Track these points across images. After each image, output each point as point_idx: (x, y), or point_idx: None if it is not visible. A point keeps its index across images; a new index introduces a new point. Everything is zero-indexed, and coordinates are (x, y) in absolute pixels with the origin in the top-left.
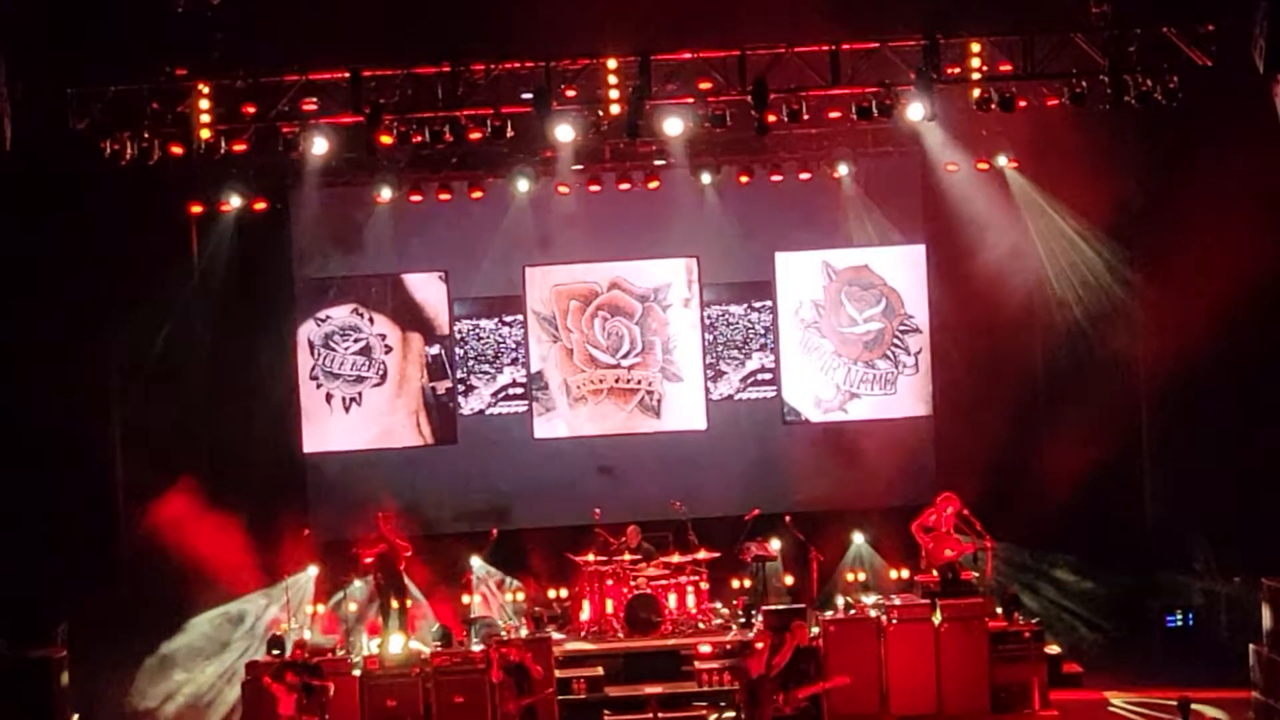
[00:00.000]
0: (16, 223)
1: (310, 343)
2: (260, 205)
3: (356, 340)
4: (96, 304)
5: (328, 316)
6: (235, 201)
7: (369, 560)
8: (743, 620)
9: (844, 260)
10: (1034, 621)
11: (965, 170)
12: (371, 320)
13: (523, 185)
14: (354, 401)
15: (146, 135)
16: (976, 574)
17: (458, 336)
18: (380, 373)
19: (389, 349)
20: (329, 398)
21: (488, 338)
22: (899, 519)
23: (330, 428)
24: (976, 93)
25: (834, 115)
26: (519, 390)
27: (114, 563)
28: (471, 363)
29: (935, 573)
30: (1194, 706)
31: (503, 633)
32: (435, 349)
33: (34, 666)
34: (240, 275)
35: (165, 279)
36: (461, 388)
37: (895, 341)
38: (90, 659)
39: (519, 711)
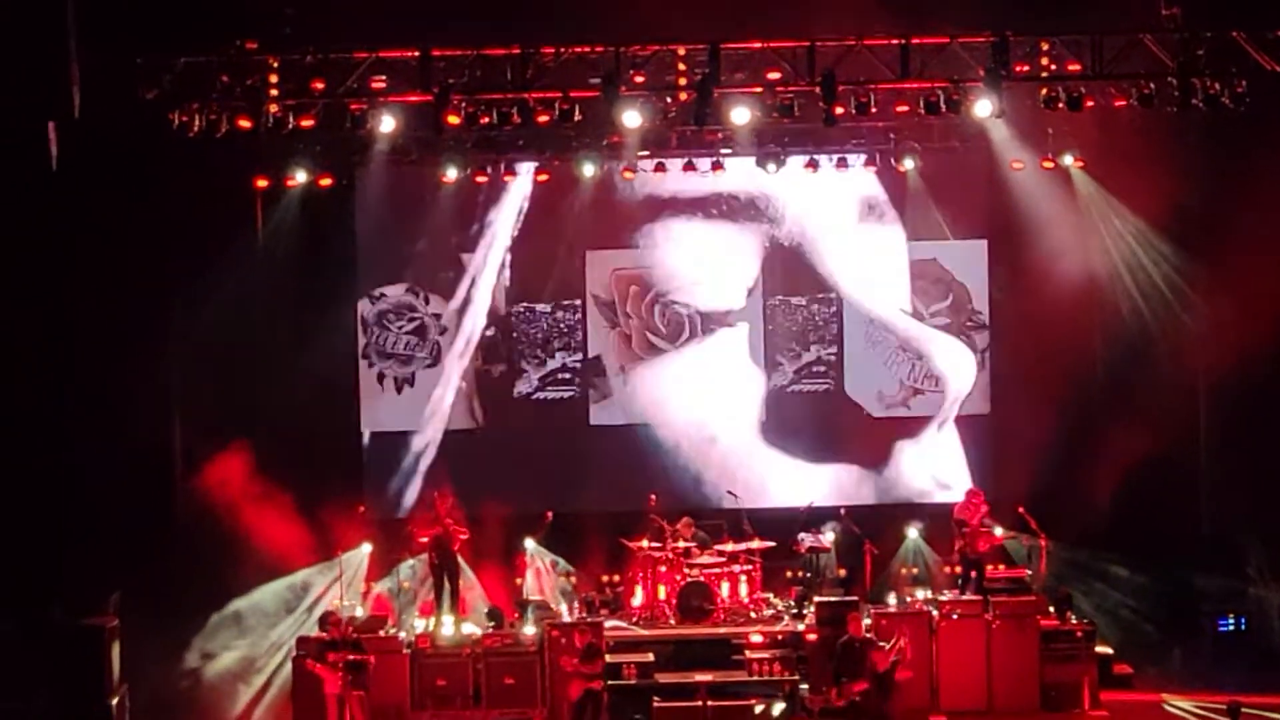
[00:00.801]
0: (81, 191)
1: (364, 320)
2: (326, 181)
3: (410, 320)
4: (158, 274)
5: (382, 294)
6: (301, 177)
7: (424, 540)
8: (795, 611)
9: (912, 254)
10: (1085, 621)
11: (1030, 168)
12: (427, 300)
13: (588, 170)
14: (406, 383)
15: (215, 108)
16: (1030, 571)
17: (512, 320)
18: (433, 353)
19: (443, 330)
20: (380, 377)
21: (539, 321)
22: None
23: (382, 406)
24: (1044, 91)
25: (901, 109)
26: (567, 375)
27: (168, 534)
28: (523, 346)
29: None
30: (1244, 711)
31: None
32: (491, 331)
33: (87, 635)
34: (303, 251)
35: (228, 252)
36: (513, 369)
37: (962, 337)
38: (142, 629)
39: (583, 695)
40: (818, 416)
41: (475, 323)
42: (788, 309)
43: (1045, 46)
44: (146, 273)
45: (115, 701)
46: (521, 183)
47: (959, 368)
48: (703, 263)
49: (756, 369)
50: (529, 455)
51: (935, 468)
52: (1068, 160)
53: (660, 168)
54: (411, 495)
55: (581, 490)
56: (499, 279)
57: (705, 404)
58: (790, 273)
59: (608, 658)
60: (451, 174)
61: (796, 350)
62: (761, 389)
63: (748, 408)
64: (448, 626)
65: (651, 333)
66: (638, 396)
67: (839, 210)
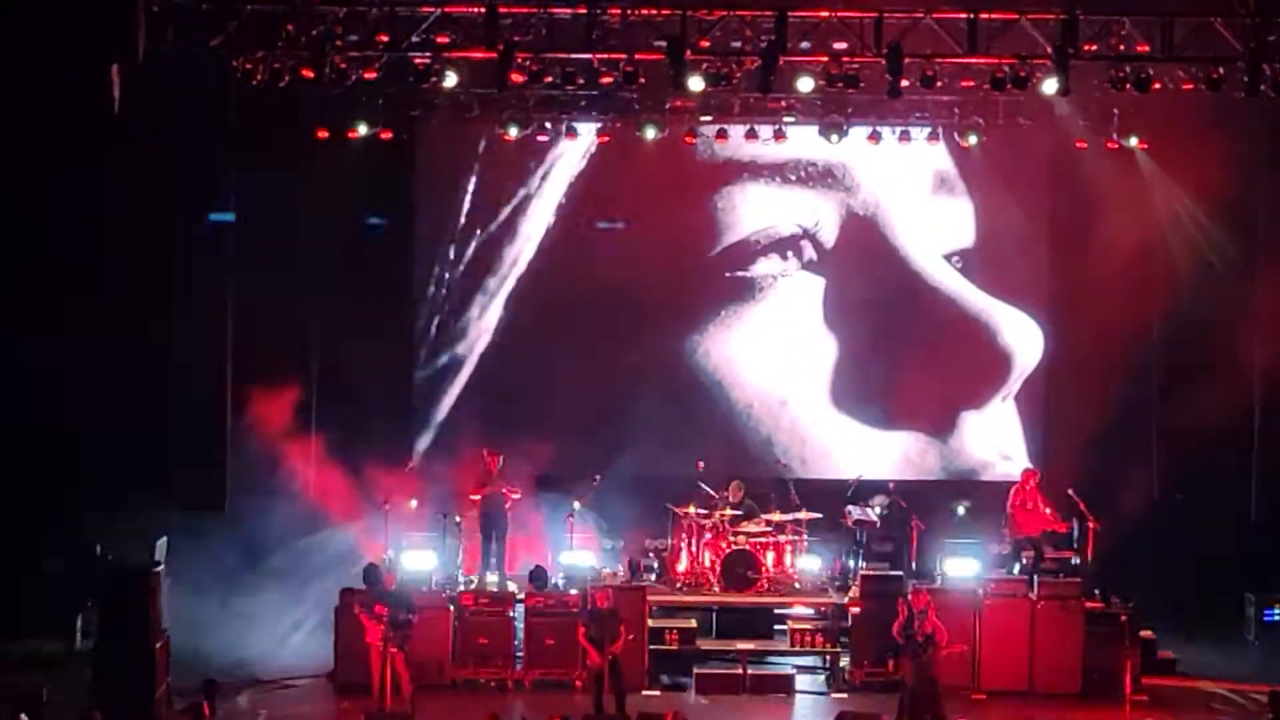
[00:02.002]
0: (142, 135)
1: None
2: (386, 134)
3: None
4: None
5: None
6: (362, 129)
7: (476, 499)
8: (839, 584)
9: (979, 228)
10: (1129, 605)
11: (1094, 148)
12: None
13: (650, 133)
14: (459, 337)
15: (279, 57)
16: (1076, 554)
17: None
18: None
19: (503, 282)
20: (431, 325)
21: None
22: (1003, 494)
23: (438, 361)
24: (1112, 72)
25: (967, 84)
26: None
27: (219, 481)
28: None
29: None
30: None
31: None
32: None
33: (133, 578)
34: (362, 202)
35: (283, 200)
36: None
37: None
38: (187, 576)
39: (603, 663)
40: (885, 384)
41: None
42: (861, 276)
43: (1115, 27)
44: (201, 217)
45: (159, 646)
46: (581, 143)
47: (1025, 342)
48: (779, 226)
49: (829, 334)
50: (584, 416)
51: (998, 439)
52: (1133, 142)
53: (722, 135)
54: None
55: (632, 453)
56: (554, 235)
57: (776, 367)
58: (864, 241)
59: (651, 622)
60: (513, 132)
61: (868, 317)
62: (833, 354)
63: (818, 372)
64: (491, 584)
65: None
66: (710, 357)
67: (911, 182)
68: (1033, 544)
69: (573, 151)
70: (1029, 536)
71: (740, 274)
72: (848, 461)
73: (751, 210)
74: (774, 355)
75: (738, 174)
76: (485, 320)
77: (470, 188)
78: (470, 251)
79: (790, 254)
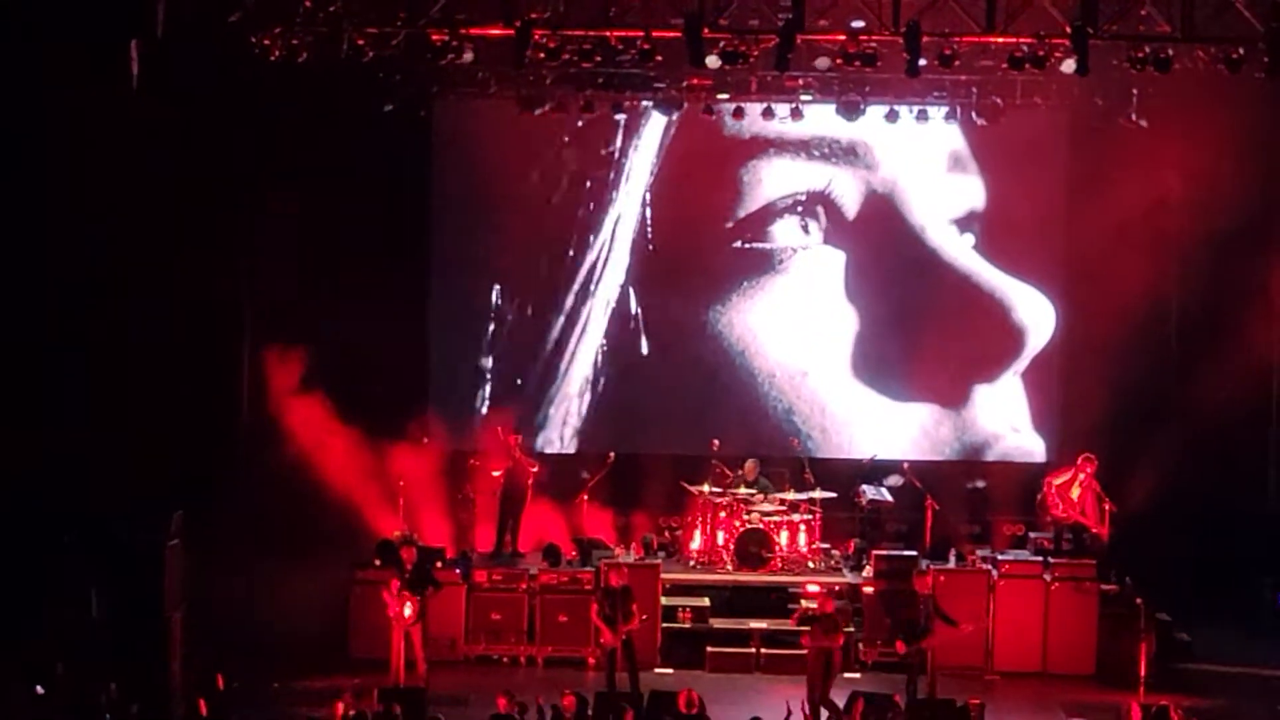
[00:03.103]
0: (160, 111)
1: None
2: (404, 111)
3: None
4: (231, 193)
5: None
6: (379, 105)
7: (496, 474)
8: (853, 564)
9: (992, 207)
10: (1145, 588)
11: (1112, 128)
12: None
13: (669, 113)
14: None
15: (296, 33)
16: (1089, 537)
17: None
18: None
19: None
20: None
21: None
22: (1016, 474)
23: (451, 332)
24: (1131, 51)
25: (986, 63)
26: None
27: (234, 454)
28: (594, 286)
29: (1050, 531)
30: None
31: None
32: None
33: (147, 552)
34: (381, 179)
35: (301, 175)
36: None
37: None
38: (202, 550)
39: (616, 641)
40: (902, 357)
41: (545, 261)
42: (879, 251)
43: (1134, 6)
44: (220, 192)
45: (174, 619)
46: (597, 119)
47: (1039, 320)
48: (800, 199)
49: (849, 308)
50: (599, 394)
51: (1009, 413)
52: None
53: (739, 113)
54: (477, 428)
55: (648, 431)
56: (572, 214)
57: (797, 338)
58: (883, 216)
59: (664, 600)
60: (530, 108)
61: (886, 292)
62: (853, 327)
63: (838, 345)
64: (506, 560)
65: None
66: (733, 328)
67: (929, 160)
68: (1073, 529)
69: (594, 126)
70: (1059, 520)
71: (761, 246)
72: (866, 433)
73: (773, 184)
74: (795, 327)
75: (761, 149)
76: (503, 295)
77: (488, 163)
78: (488, 225)
79: (811, 227)
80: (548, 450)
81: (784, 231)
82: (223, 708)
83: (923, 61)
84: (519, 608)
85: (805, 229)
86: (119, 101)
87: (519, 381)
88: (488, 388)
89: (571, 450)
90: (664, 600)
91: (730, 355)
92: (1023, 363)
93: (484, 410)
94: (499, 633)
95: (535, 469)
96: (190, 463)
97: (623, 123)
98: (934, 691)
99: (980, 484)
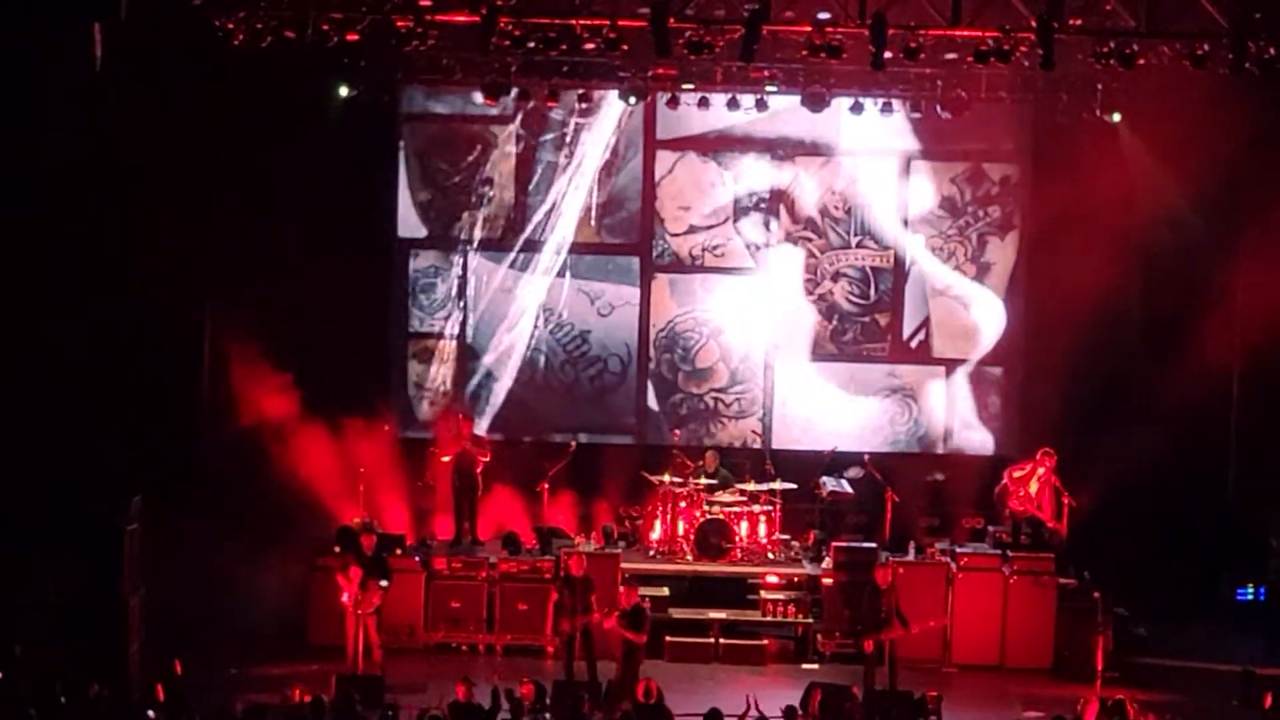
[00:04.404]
0: (127, 95)
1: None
2: (367, 98)
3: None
4: (192, 179)
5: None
6: (343, 92)
7: (446, 460)
8: (812, 555)
9: (953, 203)
10: (1103, 582)
11: (1076, 123)
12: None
13: (632, 100)
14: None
15: (260, 17)
16: (1047, 533)
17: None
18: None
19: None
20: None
21: None
22: (976, 467)
23: (410, 320)
24: (1097, 46)
25: (950, 56)
26: None
27: (194, 438)
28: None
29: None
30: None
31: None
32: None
33: (106, 536)
34: (342, 166)
35: (263, 161)
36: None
37: (997, 291)
38: (162, 533)
39: (574, 629)
40: (860, 352)
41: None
42: (839, 247)
43: (1100, 1)
44: (181, 178)
45: (132, 603)
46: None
47: (991, 319)
48: (765, 199)
49: (806, 303)
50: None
51: (969, 408)
52: (1115, 118)
53: (704, 103)
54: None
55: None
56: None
57: (758, 333)
58: (843, 214)
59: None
60: (494, 96)
61: (844, 288)
62: (812, 320)
63: (798, 338)
64: (464, 549)
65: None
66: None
67: (889, 155)
68: (1030, 523)
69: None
70: (1015, 513)
71: (721, 242)
72: (826, 426)
73: (733, 179)
74: (756, 320)
75: (717, 144)
76: (465, 285)
77: (452, 150)
78: (451, 215)
79: (772, 224)
80: (506, 439)
81: (745, 227)
82: (180, 693)
83: (888, 55)
84: (478, 596)
85: (767, 225)
86: (81, 86)
87: (471, 367)
88: (447, 373)
89: (531, 440)
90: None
91: (689, 347)
92: (982, 357)
93: (441, 396)
94: (458, 620)
95: (486, 457)
96: (149, 447)
97: (577, 108)
98: (894, 683)
99: (940, 477)
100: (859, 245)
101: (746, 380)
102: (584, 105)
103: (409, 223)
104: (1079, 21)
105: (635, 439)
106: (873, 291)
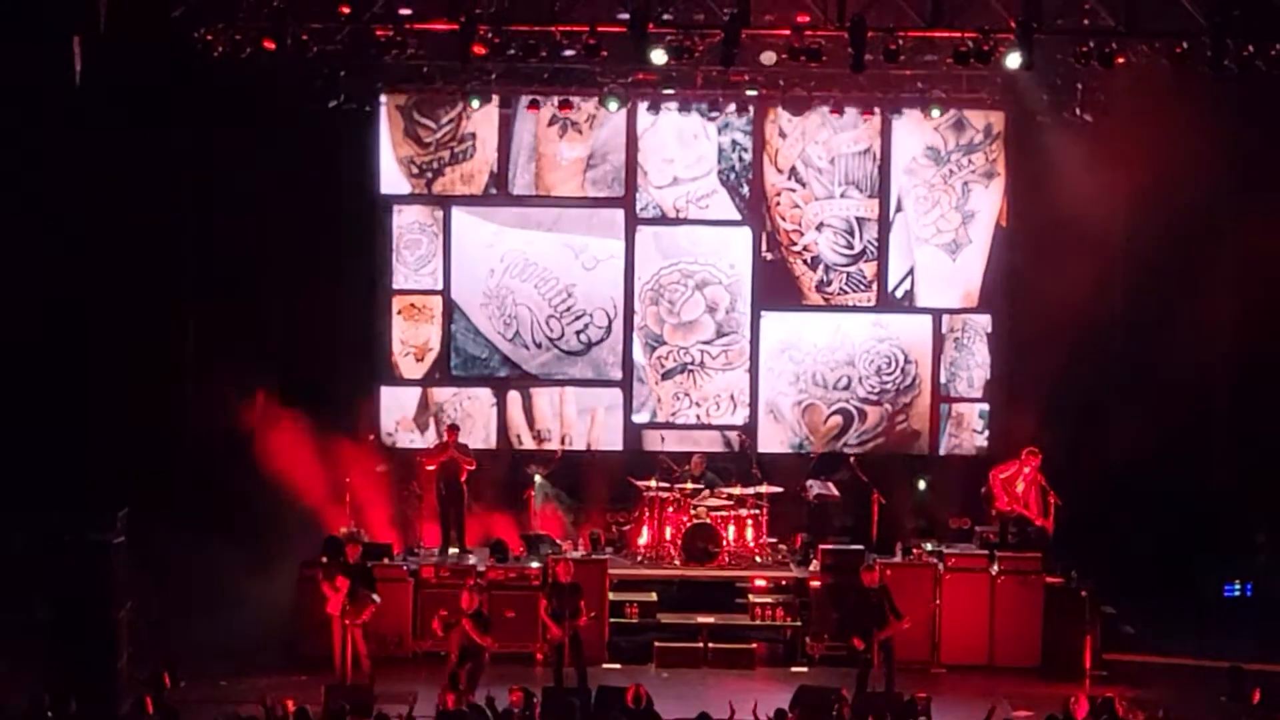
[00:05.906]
0: (105, 106)
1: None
2: (348, 106)
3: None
4: (174, 189)
5: (401, 220)
6: (324, 100)
7: (431, 468)
8: (799, 558)
9: (936, 207)
10: (1090, 581)
11: (1056, 123)
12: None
13: (613, 105)
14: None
15: (240, 29)
16: (1034, 530)
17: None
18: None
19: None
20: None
21: None
22: (962, 468)
23: (396, 335)
24: (1076, 46)
25: (930, 58)
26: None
27: (181, 451)
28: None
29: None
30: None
31: (560, 551)
32: None
33: (94, 549)
34: (324, 172)
35: (245, 170)
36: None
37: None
38: (149, 546)
39: (564, 635)
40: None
41: None
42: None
43: (1079, 1)
44: (162, 188)
45: (120, 616)
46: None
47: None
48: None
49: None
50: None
51: (954, 408)
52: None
53: (685, 110)
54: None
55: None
56: (525, 209)
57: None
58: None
59: (612, 595)
60: (475, 104)
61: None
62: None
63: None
64: (451, 556)
65: None
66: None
67: (868, 155)
68: (1017, 522)
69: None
70: (1002, 513)
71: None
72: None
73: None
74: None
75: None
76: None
77: (431, 157)
78: (433, 221)
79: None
80: (492, 446)
81: (729, 179)
82: (169, 706)
83: (868, 56)
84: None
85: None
86: (62, 98)
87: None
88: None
89: (517, 446)
90: (611, 596)
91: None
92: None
93: (430, 404)
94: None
95: (472, 465)
96: (137, 460)
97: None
98: (890, 685)
99: (926, 478)
100: (843, 195)
101: (733, 332)
102: None
103: (391, 178)
104: (1059, 21)
105: (624, 443)
106: (858, 241)
